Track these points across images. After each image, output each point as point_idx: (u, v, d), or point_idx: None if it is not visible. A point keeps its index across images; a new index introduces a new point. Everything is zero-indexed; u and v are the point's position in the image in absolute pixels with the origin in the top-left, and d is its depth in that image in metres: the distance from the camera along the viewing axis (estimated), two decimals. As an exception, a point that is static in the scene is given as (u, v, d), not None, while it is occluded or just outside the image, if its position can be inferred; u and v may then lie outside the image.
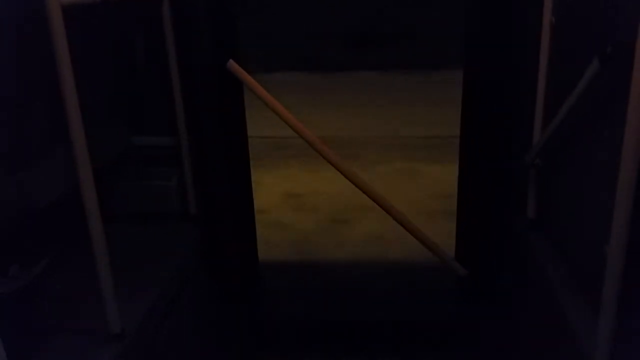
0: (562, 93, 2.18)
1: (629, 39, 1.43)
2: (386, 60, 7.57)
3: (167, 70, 2.71)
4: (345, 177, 2.76)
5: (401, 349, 3.02)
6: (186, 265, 2.78)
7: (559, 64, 2.32)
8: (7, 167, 1.98)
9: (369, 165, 4.97)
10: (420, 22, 7.51)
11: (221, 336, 3.02)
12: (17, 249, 1.83)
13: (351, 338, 3.08)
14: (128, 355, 2.09)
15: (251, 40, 4.67)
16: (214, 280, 3.04)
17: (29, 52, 1.99)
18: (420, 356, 3.01)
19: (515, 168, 2.74)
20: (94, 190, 1.85)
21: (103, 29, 2.60)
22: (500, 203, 2.87)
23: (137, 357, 2.18)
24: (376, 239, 3.82)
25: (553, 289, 2.25)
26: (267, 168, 4.81)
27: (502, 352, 2.83)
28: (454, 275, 2.88)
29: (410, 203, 3.86)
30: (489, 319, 2.94)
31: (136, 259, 2.55)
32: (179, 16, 2.66)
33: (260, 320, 3.20)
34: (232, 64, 2.75)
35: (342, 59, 7.62)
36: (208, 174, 2.97)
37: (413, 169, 4.98)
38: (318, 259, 3.69)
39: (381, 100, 6.70)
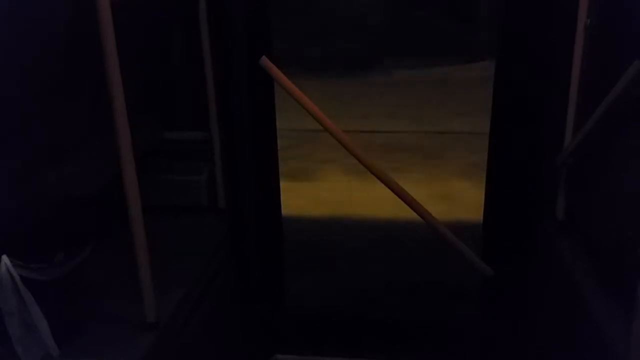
0: (595, 94, 2.18)
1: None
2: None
3: (201, 65, 2.75)
4: (377, 178, 2.78)
5: (421, 347, 3.05)
6: (214, 258, 2.83)
7: (593, 66, 2.32)
8: (50, 156, 2.03)
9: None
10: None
11: (246, 329, 3.05)
12: (62, 237, 1.88)
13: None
14: (162, 343, 2.14)
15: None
16: (240, 273, 3.08)
17: (75, 43, 2.04)
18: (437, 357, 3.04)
19: (545, 169, 2.74)
20: (136, 180, 1.90)
21: (140, 23, 2.65)
22: (528, 204, 2.87)
23: (170, 345, 2.22)
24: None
25: (581, 292, 2.26)
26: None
27: (528, 356, 2.84)
28: (480, 276, 2.89)
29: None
30: (513, 321, 2.94)
31: (166, 251, 2.60)
32: (215, 12, 2.70)
33: (284, 316, 3.24)
34: (265, 61, 2.79)
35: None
36: (238, 168, 3.01)
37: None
38: (341, 254, 3.72)
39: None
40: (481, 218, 3.05)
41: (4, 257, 1.67)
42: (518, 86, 2.76)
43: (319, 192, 4.61)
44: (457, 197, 4.34)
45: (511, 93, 2.79)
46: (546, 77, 2.70)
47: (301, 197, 4.27)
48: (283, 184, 3.22)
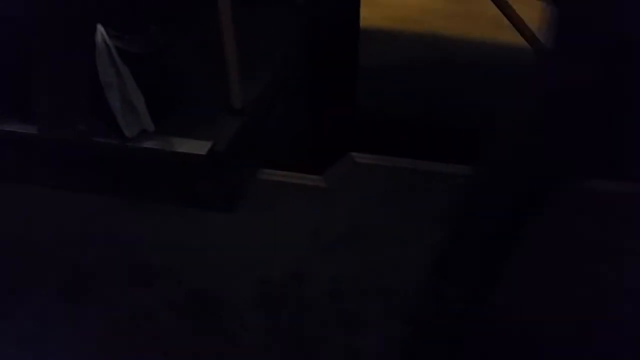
0: None
1: None
2: None
3: None
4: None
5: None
6: (292, 53, 2.79)
7: None
8: None
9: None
10: None
11: (321, 124, 3.09)
12: (152, 11, 1.85)
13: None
14: (248, 127, 2.20)
15: None
16: (316, 70, 3.05)
17: None
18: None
19: None
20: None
21: None
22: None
23: (254, 130, 2.29)
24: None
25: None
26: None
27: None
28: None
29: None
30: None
31: (246, 41, 2.56)
32: None
33: (358, 115, 3.23)
34: None
35: None
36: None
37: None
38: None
39: None
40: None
41: (99, 27, 1.67)
42: None
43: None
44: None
45: None
46: None
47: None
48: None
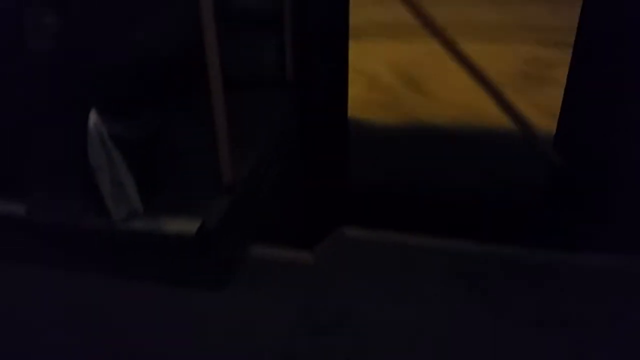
0: None
1: None
2: None
3: None
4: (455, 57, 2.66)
5: (482, 227, 3.05)
6: (283, 130, 2.83)
7: None
8: (137, 14, 2.00)
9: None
10: None
11: (313, 199, 3.11)
12: (147, 96, 1.89)
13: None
14: (238, 205, 2.20)
15: None
16: (305, 144, 3.09)
17: None
18: (499, 235, 3.04)
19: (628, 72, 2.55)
20: (217, 45, 1.86)
21: None
22: (606, 104, 2.71)
23: (245, 207, 2.29)
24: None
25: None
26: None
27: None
28: (548, 164, 2.82)
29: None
30: (577, 212, 2.89)
31: (235, 122, 2.61)
32: None
33: (349, 190, 3.27)
34: None
35: None
36: (306, 41, 2.92)
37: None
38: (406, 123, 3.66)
39: None
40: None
41: (92, 112, 1.70)
42: None
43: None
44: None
45: None
46: None
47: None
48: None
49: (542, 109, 3.23)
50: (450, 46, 2.65)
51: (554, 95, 2.75)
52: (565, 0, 3.12)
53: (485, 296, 2.37)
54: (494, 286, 2.47)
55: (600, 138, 2.77)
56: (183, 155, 2.22)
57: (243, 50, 2.93)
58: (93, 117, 1.70)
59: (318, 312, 2.05)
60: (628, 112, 2.66)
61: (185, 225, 2.01)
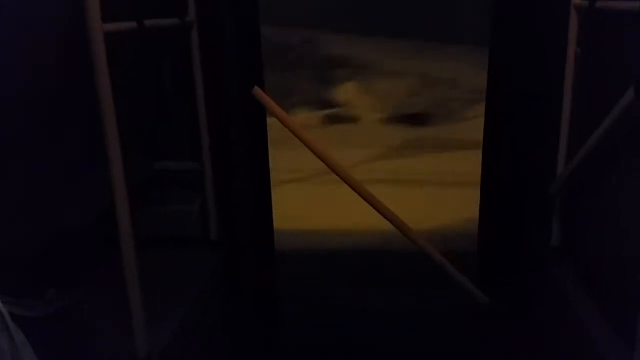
0: (587, 123, 2.20)
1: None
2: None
3: (193, 96, 2.74)
4: (367, 202, 2.79)
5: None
6: (207, 291, 2.78)
7: (585, 95, 2.34)
8: (41, 190, 2.00)
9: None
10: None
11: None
12: (54, 273, 1.84)
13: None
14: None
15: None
16: (234, 306, 3.03)
17: (66, 76, 2.02)
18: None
19: (538, 197, 2.74)
20: (129, 213, 1.86)
21: (133, 55, 2.65)
22: (523, 231, 2.87)
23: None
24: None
25: (579, 318, 2.24)
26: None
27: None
28: (475, 303, 2.87)
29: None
30: (510, 349, 2.91)
31: (158, 283, 2.55)
32: (207, 43, 2.70)
33: (281, 344, 3.19)
34: (258, 91, 2.80)
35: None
36: (230, 199, 2.98)
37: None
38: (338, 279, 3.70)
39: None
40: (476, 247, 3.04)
41: (-6, 295, 1.63)
42: (509, 117, 2.78)
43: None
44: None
45: (502, 125, 2.81)
46: (538, 106, 2.72)
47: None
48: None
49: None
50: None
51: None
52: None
53: None
54: None
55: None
56: (97, 329, 2.12)
57: (166, 210, 2.95)
58: (-7, 299, 1.62)
59: None
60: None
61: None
